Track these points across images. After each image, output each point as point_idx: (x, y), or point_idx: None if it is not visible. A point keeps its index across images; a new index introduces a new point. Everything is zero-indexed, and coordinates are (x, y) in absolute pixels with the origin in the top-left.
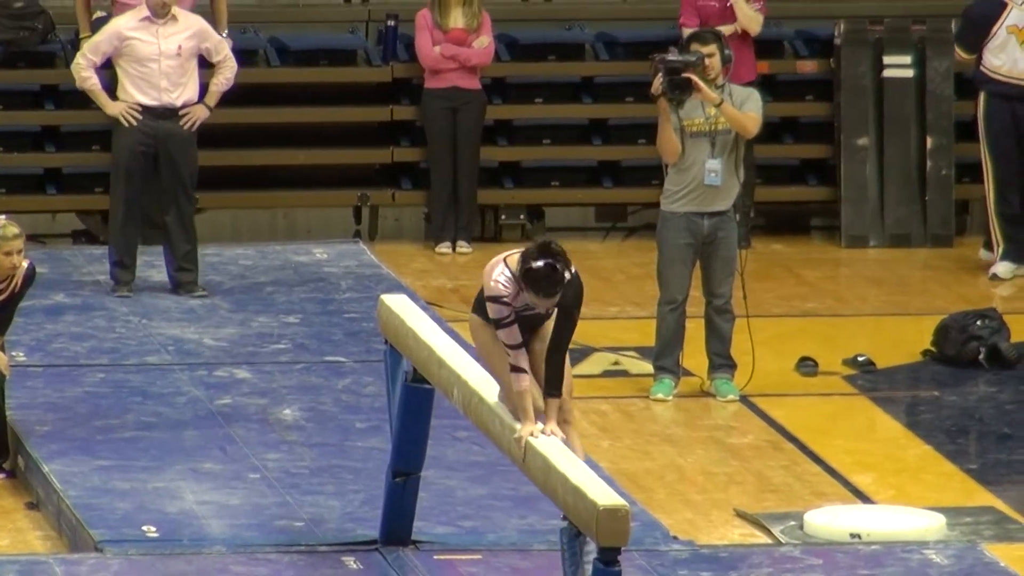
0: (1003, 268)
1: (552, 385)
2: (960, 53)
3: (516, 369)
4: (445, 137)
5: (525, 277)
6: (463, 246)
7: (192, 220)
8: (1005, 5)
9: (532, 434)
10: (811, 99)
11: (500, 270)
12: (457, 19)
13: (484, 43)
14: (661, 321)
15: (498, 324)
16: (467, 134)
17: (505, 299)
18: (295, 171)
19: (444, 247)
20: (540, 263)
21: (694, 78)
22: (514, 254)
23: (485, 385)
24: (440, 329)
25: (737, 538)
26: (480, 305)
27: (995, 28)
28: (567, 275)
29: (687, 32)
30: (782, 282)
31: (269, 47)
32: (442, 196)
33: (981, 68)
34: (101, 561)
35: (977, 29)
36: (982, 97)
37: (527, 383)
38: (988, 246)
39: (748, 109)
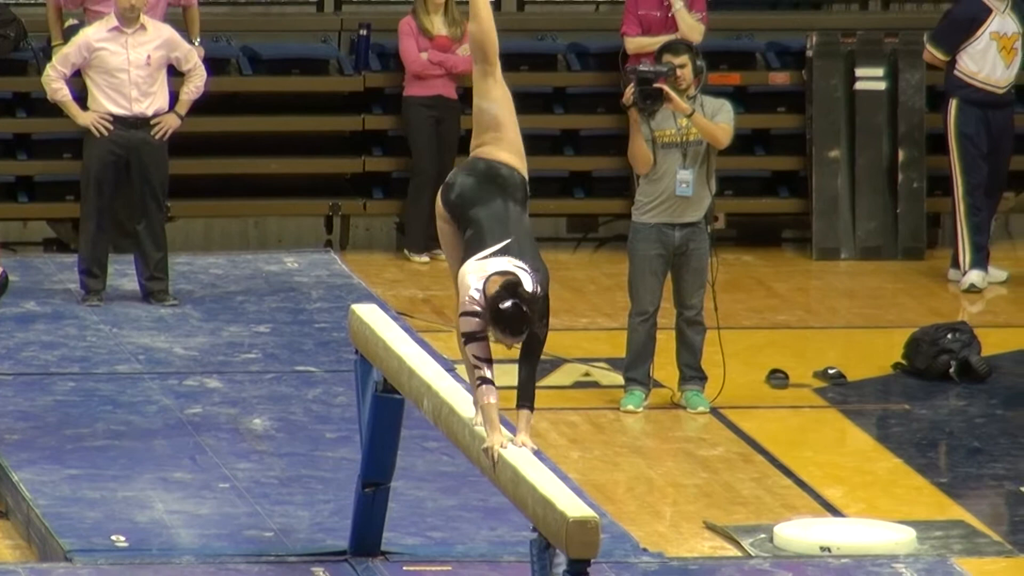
0: (977, 277)
1: (524, 397)
2: (934, 54)
3: (485, 381)
4: (430, 146)
5: (494, 317)
6: (440, 254)
7: (163, 229)
8: (991, 10)
9: (502, 445)
10: (783, 111)
11: (477, 286)
12: (439, 27)
13: (467, 51)
14: (632, 332)
15: (469, 338)
16: (450, 143)
17: (479, 313)
18: (266, 180)
19: (424, 257)
20: (508, 304)
21: (665, 88)
22: (492, 276)
23: (455, 396)
24: (411, 339)
25: (707, 551)
26: (446, 188)
27: (979, 32)
28: (534, 315)
29: (628, 41)
30: (753, 294)
31: (241, 56)
32: (423, 206)
33: (955, 73)
34: (70, 570)
35: (960, 31)
36: (953, 103)
37: (495, 397)
38: (956, 263)
39: (720, 120)
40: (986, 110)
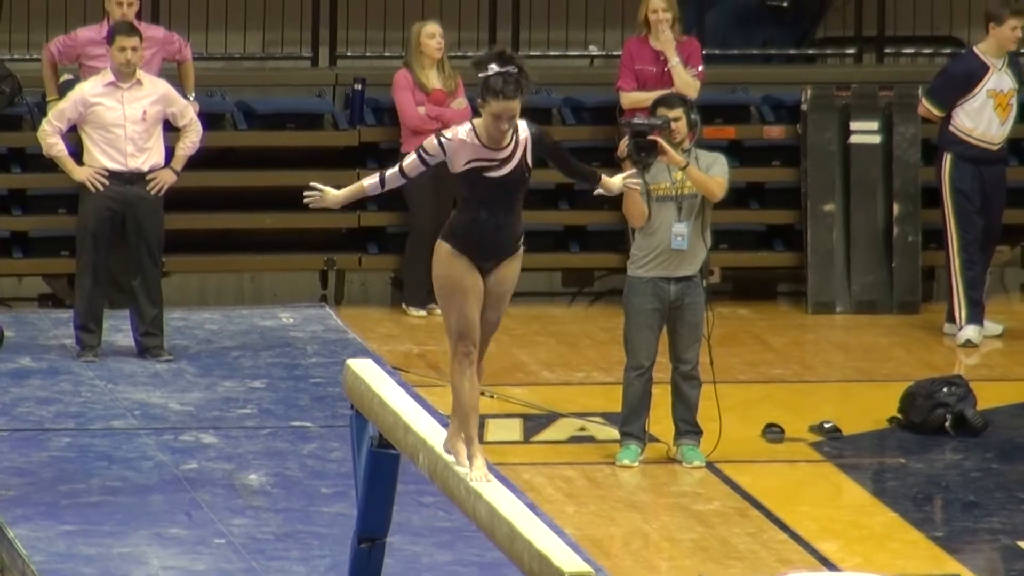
0: (973, 332)
1: (589, 172)
2: (930, 109)
3: (380, 178)
4: (428, 202)
5: (483, 86)
6: (435, 308)
7: (158, 285)
8: (988, 67)
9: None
10: (778, 164)
11: (463, 126)
12: (434, 80)
13: (463, 104)
14: (627, 387)
15: (417, 152)
16: (448, 198)
17: (441, 138)
18: (262, 235)
19: (422, 311)
20: (494, 69)
21: (660, 141)
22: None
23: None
24: (406, 394)
25: None
26: (448, 230)
27: (976, 89)
28: (520, 75)
29: (624, 96)
30: (749, 348)
31: (236, 111)
32: (421, 261)
33: (951, 129)
34: None
35: (957, 87)
36: (948, 158)
37: (370, 187)
38: (951, 317)
39: (715, 173)
40: (980, 166)
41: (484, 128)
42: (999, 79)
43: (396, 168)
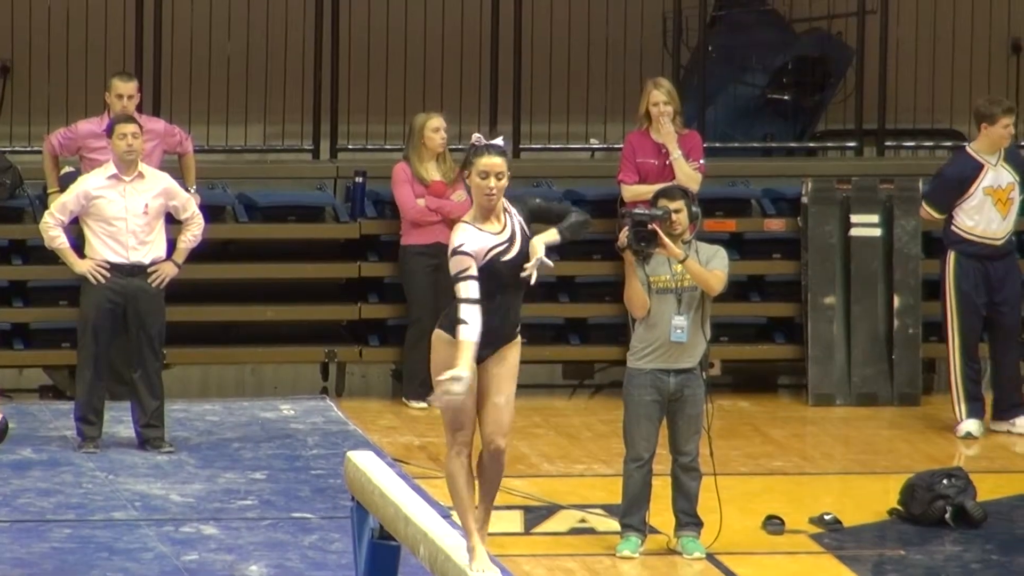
0: (974, 425)
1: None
2: (930, 212)
3: (464, 321)
4: (428, 294)
5: (469, 152)
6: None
7: (160, 377)
8: (982, 166)
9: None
10: (778, 257)
11: (461, 227)
12: (433, 172)
13: (463, 197)
14: (627, 479)
15: (456, 278)
16: (448, 290)
17: (464, 248)
18: (262, 327)
19: (422, 404)
20: (474, 137)
21: (659, 233)
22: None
23: (451, 542)
24: (407, 486)
25: None
26: (446, 321)
27: (972, 189)
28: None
29: (625, 189)
30: (749, 440)
31: (237, 203)
32: (421, 353)
33: (952, 228)
34: None
35: (953, 190)
36: (952, 257)
37: (474, 334)
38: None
39: (714, 267)
40: (984, 262)
41: (475, 206)
42: (996, 175)
43: (466, 303)
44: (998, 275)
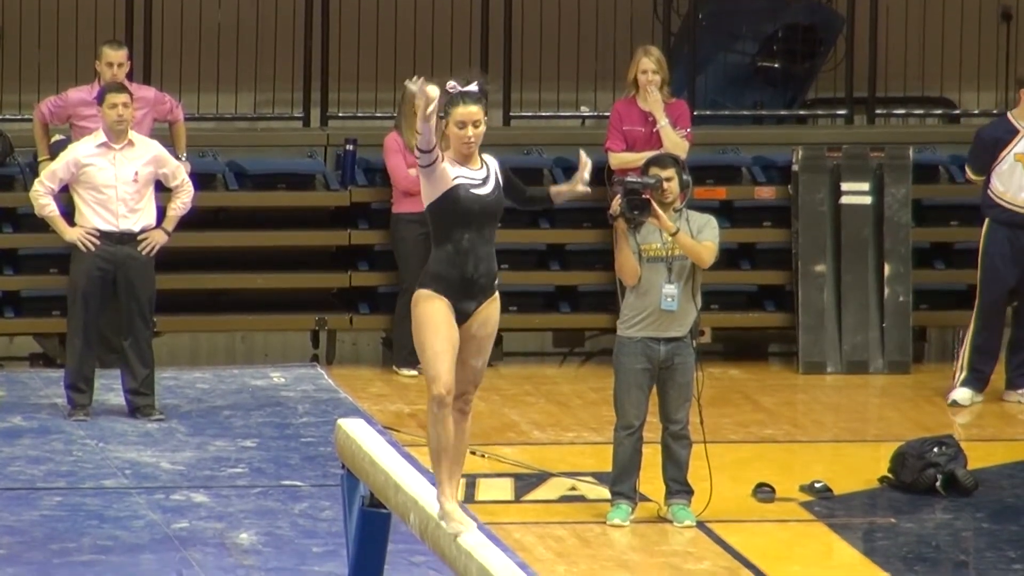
0: (962, 394)
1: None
2: (969, 174)
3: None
4: (419, 262)
5: (444, 102)
6: None
7: (150, 344)
8: (1017, 131)
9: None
10: (769, 225)
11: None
12: None
13: None
14: (618, 446)
15: (425, 166)
16: None
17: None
18: (253, 295)
19: (412, 371)
20: (448, 85)
21: (653, 204)
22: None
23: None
24: (397, 453)
25: None
26: (425, 276)
27: (1003, 153)
28: (481, 90)
29: (613, 157)
30: (739, 408)
31: (227, 171)
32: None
33: (988, 192)
34: None
35: (986, 152)
36: (986, 222)
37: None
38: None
39: (705, 237)
40: (1014, 230)
41: (453, 150)
42: None
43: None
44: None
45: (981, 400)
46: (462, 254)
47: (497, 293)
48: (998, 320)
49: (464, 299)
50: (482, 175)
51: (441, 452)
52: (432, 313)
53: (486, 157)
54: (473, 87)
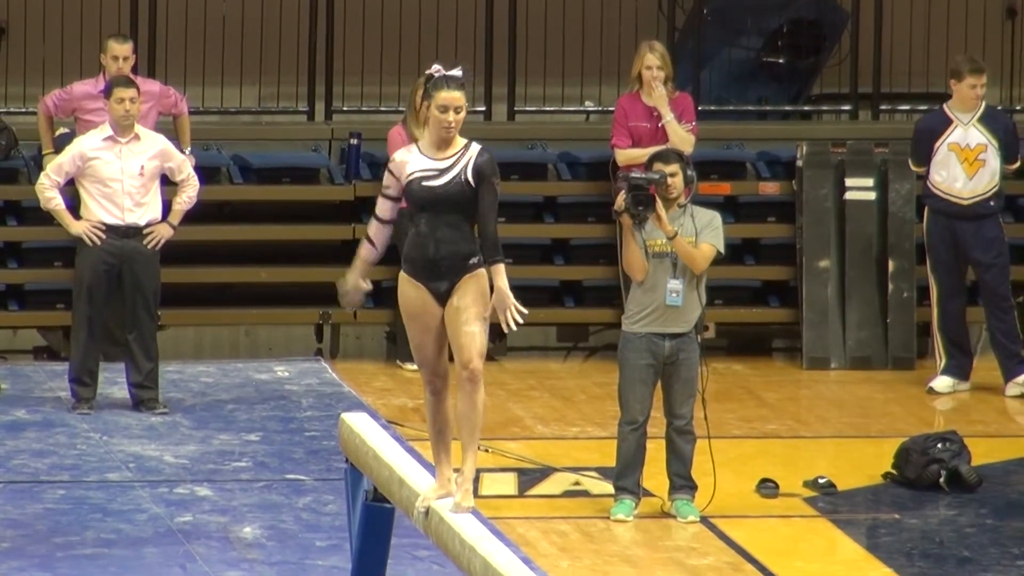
0: (941, 383)
1: (494, 250)
2: (912, 165)
3: (367, 235)
4: None
5: (428, 83)
6: None
7: (154, 338)
8: (951, 122)
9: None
10: (773, 221)
11: (409, 146)
12: None
13: None
14: (622, 441)
15: (381, 193)
16: None
17: (391, 166)
18: (257, 289)
19: (415, 366)
20: (432, 68)
21: (657, 202)
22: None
23: (445, 505)
24: (401, 448)
25: None
26: (403, 259)
27: (938, 144)
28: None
29: (619, 153)
30: (743, 403)
31: (232, 165)
32: None
33: (927, 183)
34: None
35: (922, 142)
36: (926, 212)
37: (369, 251)
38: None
39: (707, 236)
40: (952, 220)
41: (431, 132)
42: (964, 134)
43: (372, 219)
44: (965, 236)
45: (967, 388)
46: (422, 236)
47: (478, 271)
48: (957, 305)
49: (432, 279)
50: (445, 165)
51: (435, 435)
52: (404, 304)
53: (473, 147)
54: (457, 72)
